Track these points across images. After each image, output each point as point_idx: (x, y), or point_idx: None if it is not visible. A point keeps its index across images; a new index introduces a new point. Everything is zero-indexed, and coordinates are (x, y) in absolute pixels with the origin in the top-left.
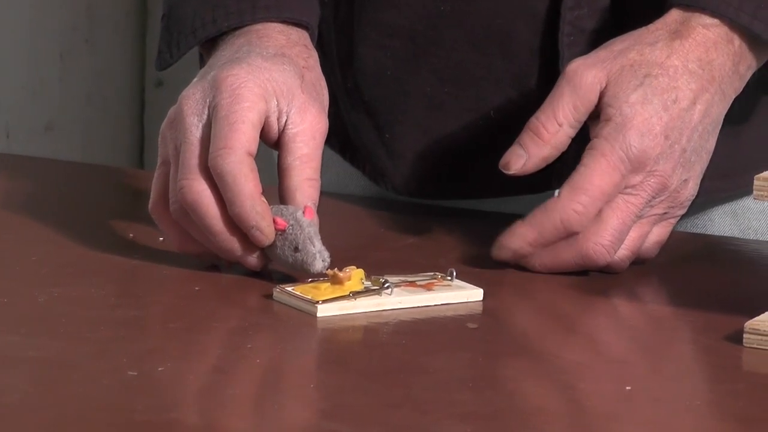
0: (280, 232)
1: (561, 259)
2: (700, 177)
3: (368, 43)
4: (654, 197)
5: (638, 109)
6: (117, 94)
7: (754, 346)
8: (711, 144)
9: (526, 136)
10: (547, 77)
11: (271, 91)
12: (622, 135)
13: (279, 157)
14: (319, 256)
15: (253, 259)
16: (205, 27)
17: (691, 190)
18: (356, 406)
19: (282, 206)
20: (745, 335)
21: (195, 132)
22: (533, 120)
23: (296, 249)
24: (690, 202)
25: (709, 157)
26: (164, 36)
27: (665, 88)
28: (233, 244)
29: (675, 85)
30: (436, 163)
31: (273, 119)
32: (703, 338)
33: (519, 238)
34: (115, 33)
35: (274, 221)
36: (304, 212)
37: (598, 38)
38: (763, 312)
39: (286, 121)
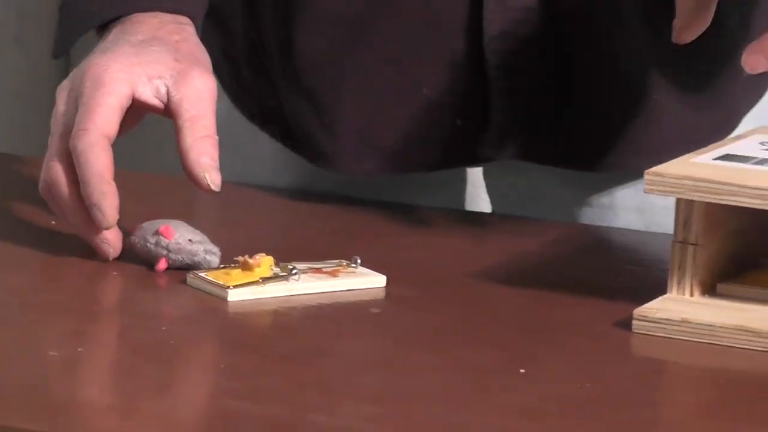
0: (173, 245)
1: None
2: None
3: (307, 31)
4: None
5: None
6: (47, 92)
7: (643, 332)
8: None
9: None
10: (472, 55)
11: (140, 72)
12: None
13: (174, 126)
14: (209, 257)
15: (102, 245)
16: (92, 17)
17: None
18: (264, 387)
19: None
20: (634, 322)
21: (62, 119)
22: None
23: (191, 260)
24: None
25: None
26: (59, 25)
27: None
28: (83, 225)
29: None
30: (375, 142)
31: (150, 97)
32: (595, 325)
33: None
34: (44, 31)
35: (164, 230)
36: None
37: (522, 15)
38: (651, 300)
39: (168, 92)
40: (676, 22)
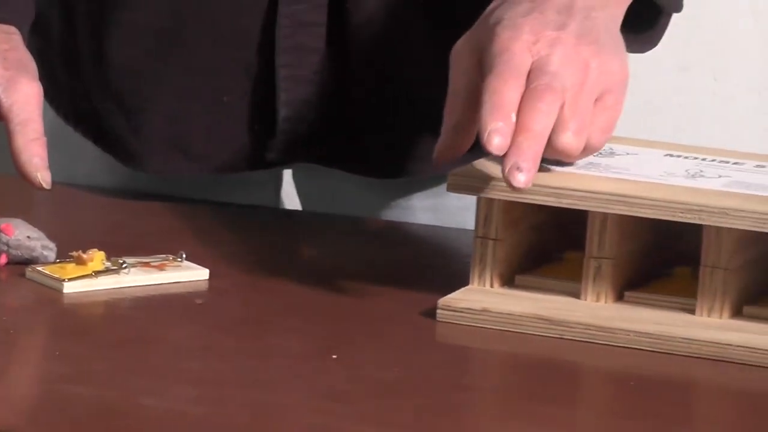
0: (13, 241)
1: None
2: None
3: (118, 41)
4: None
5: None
6: None
7: (447, 320)
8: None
9: None
10: (266, 67)
11: None
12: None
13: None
14: (46, 252)
15: None
16: None
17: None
18: (97, 372)
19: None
20: (438, 311)
21: None
22: None
23: (30, 255)
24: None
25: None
26: None
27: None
28: None
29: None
30: (180, 146)
31: None
32: (403, 314)
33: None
34: None
35: (5, 228)
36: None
37: (313, 30)
38: (455, 291)
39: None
40: (438, 143)
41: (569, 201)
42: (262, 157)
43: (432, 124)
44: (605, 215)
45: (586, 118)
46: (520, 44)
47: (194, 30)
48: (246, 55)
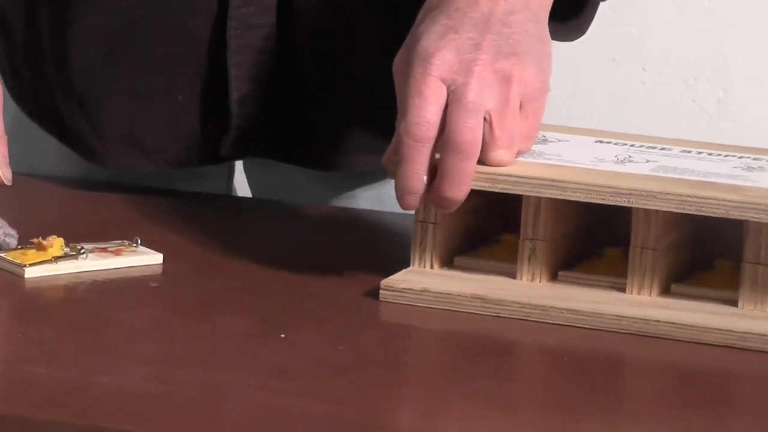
0: None
1: None
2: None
3: (76, 43)
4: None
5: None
6: None
7: (389, 300)
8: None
9: None
10: (217, 66)
11: None
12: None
13: None
14: (8, 239)
15: None
16: None
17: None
18: (57, 353)
19: None
20: (381, 291)
21: None
22: None
23: None
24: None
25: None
26: None
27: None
28: None
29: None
30: (138, 143)
31: None
32: (347, 295)
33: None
34: None
35: None
36: None
37: (262, 31)
38: (396, 272)
39: None
40: (387, 150)
41: (504, 186)
42: (216, 152)
43: (376, 119)
44: (539, 199)
45: (515, 131)
46: (433, 83)
47: (148, 32)
48: (198, 56)
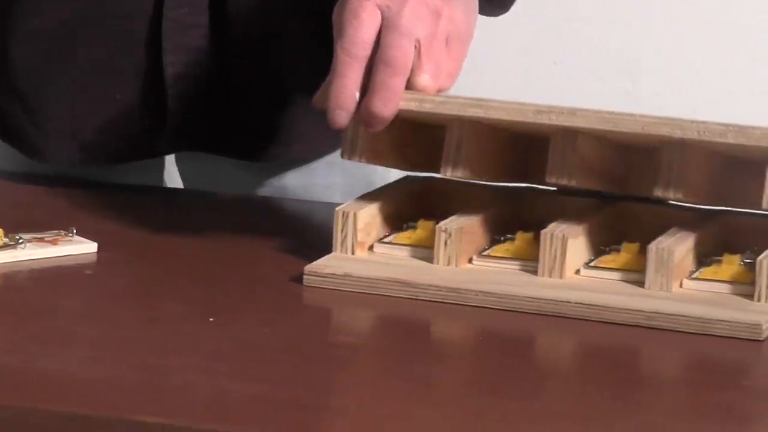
0: None
1: None
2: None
3: (21, 45)
4: None
5: None
6: None
7: (313, 285)
8: None
9: None
10: (154, 65)
11: None
12: None
13: None
14: None
15: None
16: None
17: None
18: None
19: None
20: (305, 277)
21: None
22: None
23: None
24: None
25: None
26: None
27: None
28: None
29: None
30: (77, 139)
31: None
32: (273, 280)
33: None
34: None
35: None
36: None
37: (196, 31)
38: (319, 258)
39: None
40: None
41: (430, 106)
42: (153, 147)
43: (302, 112)
44: (461, 133)
45: (441, 62)
46: (369, 7)
47: (87, 33)
48: (136, 56)
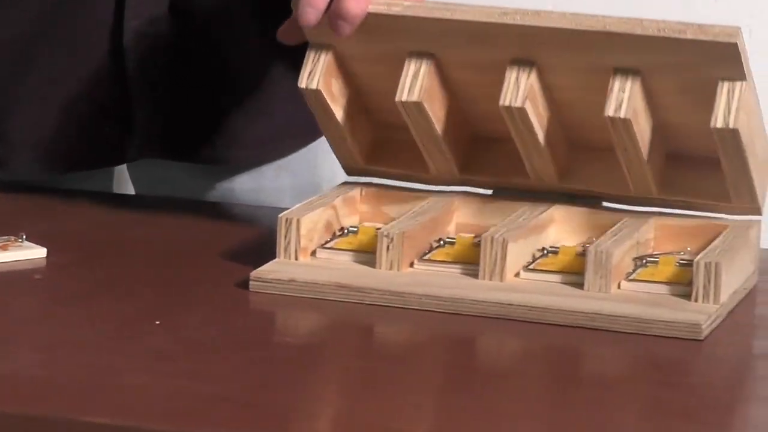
0: None
1: None
2: None
3: None
4: None
5: None
6: None
7: (259, 290)
8: None
9: None
10: (117, 74)
11: None
12: None
13: None
14: None
15: None
16: None
17: None
18: None
19: None
20: (251, 282)
21: None
22: None
23: None
24: None
25: None
26: None
27: None
28: None
29: None
30: (41, 149)
31: None
32: (219, 284)
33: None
34: None
35: None
36: None
37: (156, 41)
38: (264, 264)
39: None
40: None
41: (398, 9)
42: (116, 154)
43: (257, 116)
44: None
45: None
46: None
47: (50, 45)
48: (98, 64)
